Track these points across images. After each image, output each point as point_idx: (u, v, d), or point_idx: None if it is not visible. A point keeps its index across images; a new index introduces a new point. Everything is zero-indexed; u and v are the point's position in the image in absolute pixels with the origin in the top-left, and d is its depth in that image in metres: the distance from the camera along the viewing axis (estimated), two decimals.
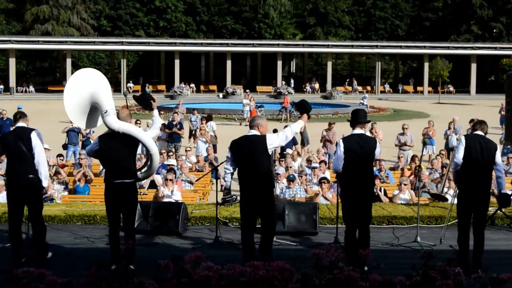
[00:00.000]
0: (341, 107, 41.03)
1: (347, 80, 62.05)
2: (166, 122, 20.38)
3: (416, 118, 35.67)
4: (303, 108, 7.83)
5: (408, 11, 71.10)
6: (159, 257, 3.44)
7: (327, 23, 69.70)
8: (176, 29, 66.31)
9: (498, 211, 9.87)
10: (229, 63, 56.40)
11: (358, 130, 7.58)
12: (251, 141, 7.35)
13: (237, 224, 9.81)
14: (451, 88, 59.49)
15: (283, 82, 57.27)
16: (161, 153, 17.08)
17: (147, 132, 7.81)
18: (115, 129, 7.36)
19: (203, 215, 10.01)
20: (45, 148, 11.24)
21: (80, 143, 18.71)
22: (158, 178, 13.02)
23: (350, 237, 7.35)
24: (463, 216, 7.48)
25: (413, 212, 9.98)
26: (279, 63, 57.79)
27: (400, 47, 60.02)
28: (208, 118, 21.39)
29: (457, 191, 7.70)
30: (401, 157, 15.91)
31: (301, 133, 18.64)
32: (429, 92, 58.07)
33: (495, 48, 58.39)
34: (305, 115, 7.75)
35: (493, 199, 11.62)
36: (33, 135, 7.61)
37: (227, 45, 57.09)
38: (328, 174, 13.76)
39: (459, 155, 7.44)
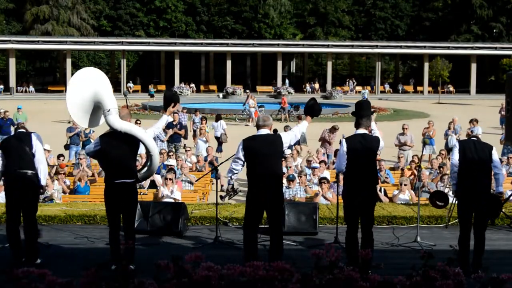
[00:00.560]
0: (341, 107, 41.00)
1: (347, 80, 62.07)
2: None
3: (416, 118, 35.67)
4: (311, 111, 7.78)
5: (408, 11, 71.11)
6: (159, 257, 3.44)
7: (327, 23, 69.71)
8: (176, 29, 66.32)
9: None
10: (229, 63, 56.40)
11: (361, 130, 7.55)
12: (270, 141, 7.34)
13: (237, 224, 9.81)
14: (451, 88, 59.49)
15: (281, 82, 57.35)
16: (161, 153, 17.15)
17: (148, 130, 7.79)
18: (117, 128, 7.39)
19: (203, 215, 10.01)
20: (45, 149, 11.26)
21: (81, 143, 18.71)
22: (158, 178, 13.02)
23: (351, 238, 7.33)
24: (463, 217, 7.48)
25: (413, 212, 9.98)
26: (279, 63, 57.79)
27: (400, 47, 60.02)
28: (218, 118, 21.80)
29: (456, 192, 7.69)
30: (401, 157, 15.90)
31: None
32: (429, 92, 58.07)
33: (495, 48, 58.39)
34: (309, 117, 7.73)
35: None
36: (34, 137, 7.77)
37: (227, 45, 57.09)
38: (327, 174, 13.76)
39: (455, 158, 7.48)
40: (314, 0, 69.73)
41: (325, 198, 11.43)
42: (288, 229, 9.24)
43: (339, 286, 3.08)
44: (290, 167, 13.95)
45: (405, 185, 11.90)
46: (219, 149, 20.71)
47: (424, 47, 58.57)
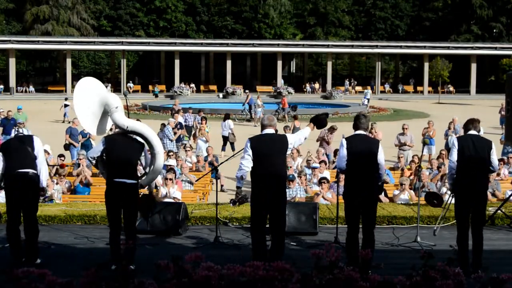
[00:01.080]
0: (341, 107, 41.02)
1: (349, 80, 62.08)
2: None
3: (416, 118, 35.67)
4: (316, 121, 7.77)
5: (408, 11, 71.13)
6: (159, 257, 3.44)
7: (327, 23, 69.73)
8: (176, 29, 66.33)
9: (498, 211, 9.87)
10: (229, 63, 56.42)
11: (360, 131, 7.54)
12: (276, 140, 7.35)
13: (237, 224, 9.81)
14: (451, 88, 59.52)
15: (280, 82, 57.49)
16: (170, 152, 17.25)
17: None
18: (123, 125, 7.55)
19: (203, 215, 10.01)
20: (45, 150, 11.26)
21: (80, 143, 18.72)
22: (158, 178, 12.99)
23: (352, 238, 7.32)
24: (461, 216, 7.44)
25: (413, 212, 9.98)
26: (279, 63, 57.81)
27: (400, 47, 60.05)
28: (226, 117, 21.99)
29: (453, 192, 7.67)
30: (401, 157, 15.90)
31: (292, 130, 18.65)
32: (429, 92, 58.09)
33: (495, 48, 58.41)
34: (312, 124, 7.74)
35: (493, 199, 11.66)
36: (35, 139, 7.86)
37: (227, 45, 57.11)
38: (327, 174, 13.76)
39: (453, 157, 7.42)
40: (314, 0, 69.73)
41: (325, 198, 11.43)
42: (288, 229, 9.22)
43: (339, 286, 3.08)
44: (290, 167, 13.94)
45: (404, 184, 11.90)
46: (223, 149, 20.80)
47: (424, 47, 58.59)
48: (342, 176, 9.29)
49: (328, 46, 59.14)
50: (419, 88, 59.82)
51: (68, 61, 55.34)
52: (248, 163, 7.25)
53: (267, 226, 7.50)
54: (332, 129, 17.69)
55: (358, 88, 59.38)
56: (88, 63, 69.16)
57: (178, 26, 66.42)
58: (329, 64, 59.31)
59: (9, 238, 7.57)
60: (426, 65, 57.42)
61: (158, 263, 3.11)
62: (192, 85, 57.53)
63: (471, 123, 7.66)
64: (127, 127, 7.60)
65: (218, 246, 8.58)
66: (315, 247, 6.48)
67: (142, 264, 6.34)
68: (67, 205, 10.78)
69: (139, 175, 7.67)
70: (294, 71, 72.62)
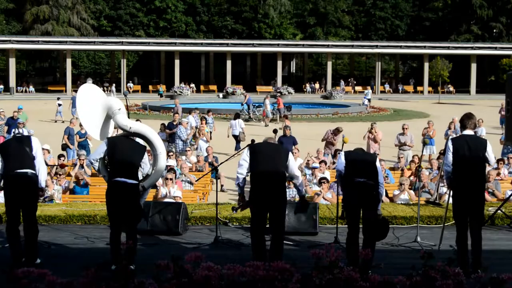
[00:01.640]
0: (341, 107, 41.03)
1: (349, 79, 62.05)
2: (166, 123, 20.42)
3: (416, 118, 35.67)
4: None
5: (408, 11, 71.12)
6: (159, 257, 3.44)
7: (327, 23, 69.73)
8: (176, 29, 66.33)
9: (498, 211, 9.87)
10: (229, 63, 56.42)
11: (358, 151, 7.88)
12: (276, 146, 7.80)
13: (237, 224, 9.82)
14: (451, 88, 59.50)
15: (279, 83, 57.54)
16: (184, 152, 17.24)
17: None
18: (126, 126, 7.64)
19: (203, 215, 10.01)
20: (44, 149, 11.28)
21: (76, 143, 18.75)
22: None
23: (352, 238, 7.32)
24: (459, 217, 7.41)
25: (413, 212, 9.98)
26: (279, 63, 57.82)
27: (400, 47, 60.05)
28: (236, 116, 22.53)
29: (451, 193, 7.67)
30: (401, 157, 15.89)
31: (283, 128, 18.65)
32: (429, 92, 58.09)
33: (495, 48, 58.41)
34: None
35: (493, 199, 11.66)
36: (34, 139, 7.84)
37: (227, 45, 57.11)
38: (328, 174, 13.76)
39: (448, 160, 7.40)
40: (314, 0, 69.73)
41: (325, 198, 11.43)
42: (288, 229, 9.23)
43: (339, 286, 3.08)
44: None
45: (403, 185, 11.89)
46: (237, 147, 20.92)
47: (424, 47, 58.58)
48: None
49: (328, 46, 59.14)
50: (419, 88, 59.81)
51: (68, 61, 55.34)
52: (243, 170, 7.45)
53: (267, 226, 7.51)
54: (337, 131, 17.72)
55: (358, 88, 59.39)
56: (88, 63, 69.17)
57: (178, 26, 66.42)
58: (329, 64, 59.31)
59: (9, 238, 7.56)
60: (426, 65, 57.42)
61: (158, 263, 3.11)
62: (192, 85, 57.53)
63: (467, 120, 7.60)
64: (130, 128, 7.68)
65: (218, 246, 8.57)
66: (315, 247, 6.49)
67: (142, 264, 6.35)
68: (67, 205, 10.78)
69: (140, 177, 7.68)
70: (294, 71, 72.61)
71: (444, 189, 11.50)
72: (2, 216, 7.90)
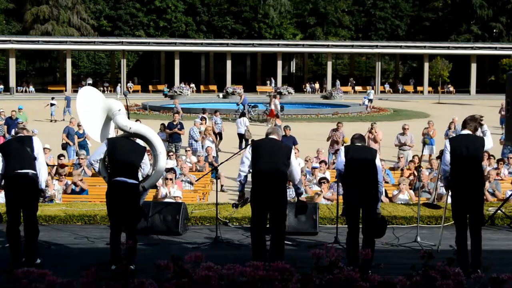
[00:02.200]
0: (341, 107, 41.03)
1: (349, 79, 62.03)
2: (166, 123, 20.43)
3: (416, 118, 35.66)
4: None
5: (408, 11, 71.12)
6: (159, 257, 3.44)
7: (327, 23, 69.72)
8: (176, 29, 66.33)
9: (498, 211, 9.86)
10: (229, 63, 56.42)
11: (358, 143, 7.70)
12: (278, 143, 7.62)
13: (237, 224, 9.82)
14: (451, 88, 59.50)
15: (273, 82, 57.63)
16: (196, 152, 17.34)
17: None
18: (126, 126, 7.65)
19: (203, 215, 10.01)
20: (45, 148, 11.27)
21: (76, 143, 18.75)
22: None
23: (352, 238, 7.31)
24: (459, 217, 7.41)
25: (413, 212, 9.98)
26: (279, 63, 57.82)
27: (400, 47, 60.05)
28: (242, 115, 23.11)
29: (450, 194, 7.66)
30: (401, 157, 15.90)
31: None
32: (429, 92, 58.08)
33: (495, 48, 58.40)
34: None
35: (493, 199, 11.66)
36: (35, 140, 7.83)
37: (227, 45, 57.11)
38: (328, 174, 13.75)
39: (446, 160, 7.41)
40: (314, 0, 69.72)
41: (325, 198, 11.43)
42: (288, 229, 9.23)
43: (339, 286, 3.08)
44: None
45: (403, 185, 11.89)
46: (240, 146, 20.96)
47: (424, 47, 58.58)
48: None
49: (328, 46, 59.13)
50: (419, 88, 59.80)
51: (68, 61, 55.34)
52: (245, 168, 7.46)
53: (267, 226, 7.51)
54: (337, 125, 18.02)
55: (358, 88, 59.38)
56: (88, 63, 69.17)
57: (178, 26, 66.42)
58: (329, 64, 59.29)
59: (9, 238, 7.56)
60: (426, 65, 57.41)
61: (158, 263, 3.11)
62: (192, 85, 57.52)
63: (469, 122, 7.59)
64: (130, 128, 7.69)
65: (218, 246, 8.58)
66: (315, 247, 6.48)
67: (142, 264, 6.35)
68: (67, 205, 10.78)
69: (140, 178, 7.68)
70: (294, 71, 72.60)
71: (444, 189, 11.49)
72: (3, 216, 7.89)
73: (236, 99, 47.44)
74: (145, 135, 7.77)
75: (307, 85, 60.00)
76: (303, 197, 10.87)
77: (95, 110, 7.99)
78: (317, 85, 59.52)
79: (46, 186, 9.65)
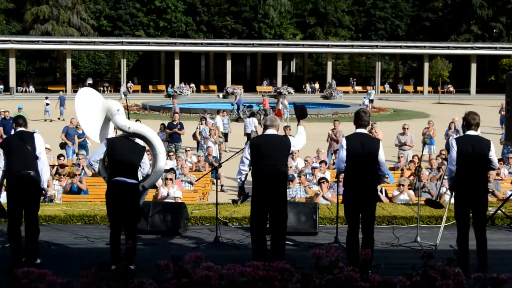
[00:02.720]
0: (341, 107, 41.04)
1: (333, 79, 61.97)
2: (166, 123, 20.44)
3: (416, 118, 35.67)
4: (300, 115, 7.86)
5: (408, 11, 71.12)
6: (159, 257, 3.44)
7: (327, 23, 69.73)
8: (176, 29, 66.33)
9: (498, 211, 9.87)
10: (229, 63, 56.42)
11: (361, 130, 7.50)
12: (277, 141, 7.44)
13: (237, 224, 9.82)
14: (451, 88, 59.51)
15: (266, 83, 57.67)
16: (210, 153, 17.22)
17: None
18: (125, 126, 7.63)
19: (203, 215, 10.01)
20: (46, 148, 11.26)
21: (77, 143, 18.74)
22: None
23: (352, 238, 7.29)
24: (462, 218, 7.37)
25: (413, 212, 9.98)
26: (279, 63, 57.83)
27: (400, 47, 60.06)
28: (251, 115, 23.16)
29: (454, 194, 7.60)
30: (401, 157, 15.90)
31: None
32: (429, 92, 58.09)
33: (495, 48, 58.41)
34: (301, 121, 7.83)
35: (493, 199, 11.65)
36: (37, 137, 7.79)
37: (227, 45, 57.11)
38: (328, 174, 13.75)
39: (453, 159, 7.33)
40: (314, 0, 69.73)
41: (325, 198, 11.42)
42: (288, 229, 9.21)
43: (339, 286, 3.08)
44: (290, 167, 13.95)
45: (402, 185, 11.89)
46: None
47: (424, 47, 58.60)
48: (342, 175, 9.28)
49: (328, 46, 59.14)
50: (419, 88, 59.81)
51: (68, 61, 55.35)
52: (244, 167, 7.41)
53: (267, 226, 7.50)
54: (334, 124, 18.13)
55: (358, 88, 59.37)
56: (88, 63, 69.17)
57: (178, 26, 66.42)
58: (329, 64, 59.30)
59: (10, 238, 7.56)
60: (426, 65, 57.42)
61: (158, 263, 3.11)
62: (192, 85, 57.54)
63: (472, 121, 7.51)
64: (129, 128, 7.68)
65: (218, 246, 8.58)
66: (315, 247, 6.49)
67: (142, 264, 6.35)
68: (67, 205, 10.77)
69: (140, 178, 7.68)
70: (294, 71, 72.61)
71: (444, 189, 11.50)
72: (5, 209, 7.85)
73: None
74: (144, 135, 7.76)
75: (307, 85, 60.00)
76: (303, 197, 10.86)
77: (93, 111, 7.99)
78: (317, 85, 59.50)
79: (47, 186, 9.65)
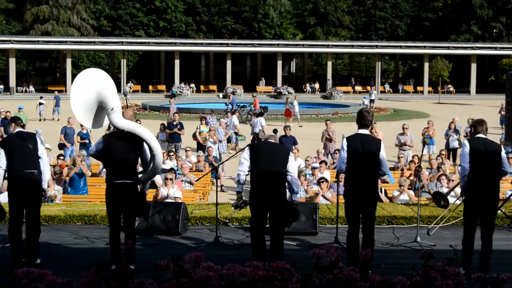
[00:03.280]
0: (341, 107, 41.03)
1: (329, 80, 61.98)
2: (166, 123, 20.43)
3: (416, 118, 35.67)
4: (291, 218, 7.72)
5: (408, 11, 71.12)
6: (159, 257, 3.44)
7: (327, 23, 69.73)
8: (176, 29, 66.33)
9: (498, 211, 9.85)
10: (229, 63, 56.42)
11: (363, 130, 7.49)
12: (276, 145, 7.63)
13: (237, 224, 9.82)
14: (451, 88, 59.50)
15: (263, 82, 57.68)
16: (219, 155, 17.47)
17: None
18: (120, 127, 7.45)
19: (203, 215, 10.01)
20: (46, 148, 11.26)
21: (78, 144, 18.73)
22: (158, 179, 13.00)
23: (352, 238, 7.29)
24: (470, 219, 7.35)
25: (413, 212, 9.98)
26: (279, 63, 57.82)
27: (400, 47, 60.05)
28: (259, 114, 23.17)
29: (464, 196, 7.55)
30: (401, 157, 15.90)
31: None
32: (429, 92, 58.08)
33: (495, 48, 58.40)
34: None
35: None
36: (38, 138, 7.80)
37: (227, 45, 57.11)
38: (327, 174, 13.75)
39: (466, 159, 7.26)
40: (314, 0, 69.73)
41: (325, 198, 11.43)
42: (288, 229, 9.23)
43: (339, 286, 3.08)
44: None
45: (403, 186, 11.89)
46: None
47: (424, 47, 58.58)
48: (342, 175, 9.28)
49: (328, 46, 59.12)
50: (419, 88, 59.80)
51: (68, 61, 55.34)
52: (244, 168, 7.43)
53: (267, 226, 7.51)
54: (325, 124, 18.30)
55: (358, 88, 59.36)
56: (88, 63, 69.10)
57: (178, 26, 66.42)
58: (329, 64, 59.29)
59: (10, 238, 7.55)
60: (426, 65, 57.41)
61: (158, 263, 3.11)
62: (192, 85, 57.53)
63: (480, 126, 7.51)
64: (124, 128, 7.47)
65: (218, 246, 8.58)
66: (315, 247, 6.49)
67: (142, 264, 6.35)
68: (67, 205, 10.78)
69: (140, 169, 7.66)
70: (294, 71, 72.61)
71: (445, 190, 11.50)
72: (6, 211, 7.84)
73: (236, 99, 47.54)
74: (139, 135, 7.56)
75: (307, 85, 59.99)
76: (303, 197, 10.84)
77: (86, 96, 7.61)
78: (317, 85, 59.49)
79: (48, 186, 9.65)
